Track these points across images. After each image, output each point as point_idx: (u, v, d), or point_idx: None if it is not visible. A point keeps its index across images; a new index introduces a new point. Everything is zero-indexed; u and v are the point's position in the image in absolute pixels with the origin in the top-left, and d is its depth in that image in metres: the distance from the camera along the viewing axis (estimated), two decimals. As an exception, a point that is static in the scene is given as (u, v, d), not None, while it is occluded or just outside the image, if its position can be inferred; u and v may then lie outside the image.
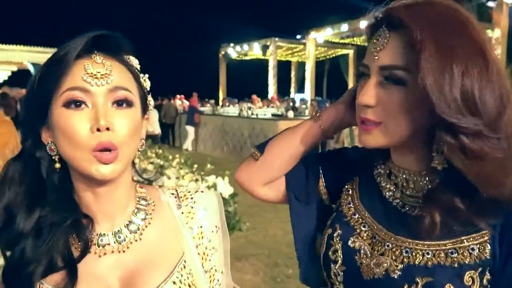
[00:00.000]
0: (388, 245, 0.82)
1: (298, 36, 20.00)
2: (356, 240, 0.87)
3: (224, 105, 14.95)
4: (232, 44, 21.88)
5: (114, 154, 0.69)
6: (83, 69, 0.69)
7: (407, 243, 0.80)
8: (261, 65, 22.26)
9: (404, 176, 0.86)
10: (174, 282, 0.77)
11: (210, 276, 0.84)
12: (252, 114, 12.64)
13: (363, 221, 0.89)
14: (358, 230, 0.88)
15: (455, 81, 0.71)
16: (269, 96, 17.55)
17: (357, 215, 0.91)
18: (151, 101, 0.82)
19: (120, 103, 0.71)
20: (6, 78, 26.64)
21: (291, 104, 14.55)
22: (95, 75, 0.69)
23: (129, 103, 0.72)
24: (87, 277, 0.73)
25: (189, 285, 0.79)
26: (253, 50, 20.94)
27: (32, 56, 25.63)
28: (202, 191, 0.90)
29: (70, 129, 0.68)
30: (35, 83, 0.72)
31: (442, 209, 0.76)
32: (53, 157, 0.74)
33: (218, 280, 0.86)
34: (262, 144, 1.07)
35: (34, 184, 0.74)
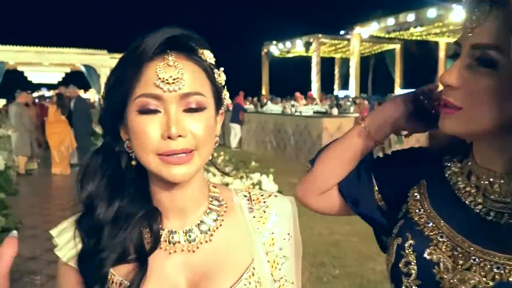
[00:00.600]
0: (474, 259, 0.73)
1: (342, 32, 19.65)
2: (433, 252, 0.78)
3: (266, 103, 14.96)
4: (274, 42, 21.84)
5: (189, 157, 0.69)
6: (155, 74, 0.68)
7: (497, 258, 0.71)
8: (304, 62, 22.09)
9: (489, 178, 0.76)
10: (245, 285, 0.75)
11: (279, 286, 0.80)
12: (295, 111, 12.58)
13: (440, 231, 0.79)
14: (435, 241, 0.79)
15: None
16: (314, 94, 17.36)
17: (431, 224, 0.81)
18: (226, 95, 0.80)
19: (193, 109, 0.70)
20: (60, 79, 28.10)
21: (335, 101, 14.34)
22: (167, 80, 0.68)
23: (201, 108, 0.71)
24: (155, 272, 0.73)
25: None
26: (296, 47, 20.79)
27: (84, 58, 26.89)
28: (275, 196, 0.86)
29: (142, 134, 0.69)
30: (110, 85, 0.74)
31: None
32: (130, 154, 0.75)
33: None
34: (314, 157, 1.04)
35: (114, 176, 0.76)
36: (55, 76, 28.92)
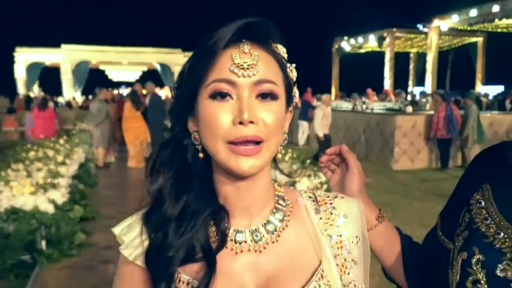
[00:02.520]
0: None
1: (419, 25, 18.63)
2: (507, 267, 0.69)
3: (336, 99, 14.60)
4: (346, 37, 21.33)
5: (258, 149, 0.67)
6: (230, 59, 0.67)
7: None
8: (377, 57, 21.33)
9: None
10: None
11: None
12: (367, 108, 12.14)
13: None
14: (508, 255, 0.70)
15: None
16: (385, 89, 16.68)
17: (502, 234, 0.72)
18: (296, 92, 0.77)
19: (265, 96, 0.68)
20: (137, 78, 29.71)
21: (410, 97, 13.62)
22: (241, 65, 0.67)
23: (274, 96, 0.69)
24: (223, 272, 0.70)
25: None
26: (368, 43, 20.14)
27: (160, 57, 28.23)
28: (342, 197, 0.83)
29: (213, 120, 0.67)
30: (184, 74, 0.73)
31: None
32: (196, 146, 0.74)
33: None
34: None
35: (182, 170, 0.74)
36: (133, 74, 30.64)
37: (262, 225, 0.75)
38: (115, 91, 21.47)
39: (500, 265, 0.69)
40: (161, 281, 0.70)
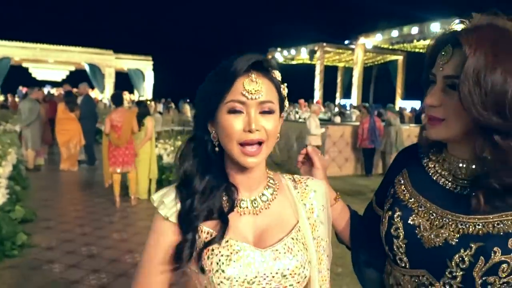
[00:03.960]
0: (445, 220, 1.01)
1: (346, 42, 19.92)
2: (415, 218, 1.06)
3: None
4: (279, 49, 22.09)
5: (259, 149, 0.97)
6: (242, 86, 0.95)
7: (461, 218, 0.99)
8: (308, 70, 22.33)
9: (458, 163, 1.05)
10: (292, 238, 1.02)
11: (317, 243, 1.08)
12: (299, 118, 12.79)
13: (419, 203, 1.08)
14: (416, 211, 1.07)
15: (488, 88, 0.90)
16: (315, 101, 17.60)
17: (413, 199, 1.10)
18: (286, 103, 1.08)
19: (266, 112, 0.97)
20: (64, 77, 28.23)
21: (338, 109, 14.54)
22: (250, 91, 0.95)
23: (272, 112, 0.98)
24: (232, 227, 1.00)
25: (303, 244, 1.03)
26: (300, 55, 21.05)
27: (89, 57, 27.08)
28: (312, 179, 1.17)
29: (230, 128, 0.95)
30: (205, 94, 1.00)
31: (486, 190, 0.95)
32: (214, 143, 1.02)
33: (323, 247, 1.10)
34: None
35: (204, 158, 1.04)
36: (60, 73, 29.07)
37: (259, 197, 1.06)
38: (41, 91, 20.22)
39: (411, 217, 1.07)
40: (188, 231, 0.98)
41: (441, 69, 1.00)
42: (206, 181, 1.02)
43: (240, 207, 1.03)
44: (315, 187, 1.14)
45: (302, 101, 15.35)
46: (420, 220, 1.06)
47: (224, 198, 1.03)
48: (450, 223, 1.01)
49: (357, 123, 10.66)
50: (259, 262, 0.97)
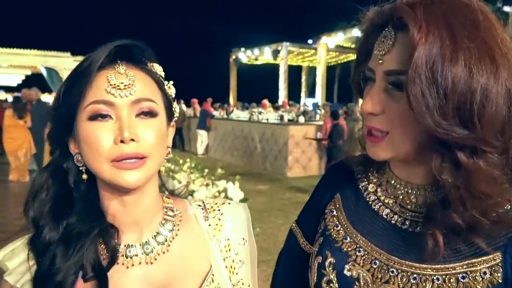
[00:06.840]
0: (392, 271, 0.74)
1: (310, 41, 19.94)
2: (352, 267, 0.78)
3: (232, 111, 14.93)
4: (242, 49, 21.91)
5: (141, 162, 0.69)
6: (106, 81, 0.69)
7: (413, 268, 0.72)
8: (272, 69, 22.25)
9: (407, 189, 0.79)
10: None
11: None
12: (262, 119, 12.62)
13: (357, 245, 0.80)
14: (353, 256, 0.79)
15: (448, 87, 0.63)
16: (280, 101, 17.51)
17: (348, 239, 0.82)
18: (176, 108, 0.81)
19: (144, 114, 0.71)
20: (20, 82, 27.05)
21: (302, 108, 14.50)
22: (118, 86, 0.69)
23: (153, 114, 0.72)
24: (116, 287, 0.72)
25: None
26: (264, 55, 20.94)
27: (45, 60, 25.98)
28: (229, 203, 0.89)
29: (94, 141, 0.68)
30: (60, 96, 0.73)
31: (444, 228, 0.69)
32: (80, 168, 0.74)
33: None
34: None
35: (61, 194, 0.75)
36: (15, 78, 27.84)
37: (152, 237, 0.77)
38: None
39: (347, 266, 0.79)
40: None
41: (380, 61, 0.72)
42: (63, 226, 0.72)
43: (126, 257, 0.75)
44: (233, 214, 0.87)
45: (265, 101, 15.20)
46: (359, 271, 0.78)
47: (102, 247, 0.74)
48: (398, 276, 0.74)
49: (321, 123, 10.59)
50: None
